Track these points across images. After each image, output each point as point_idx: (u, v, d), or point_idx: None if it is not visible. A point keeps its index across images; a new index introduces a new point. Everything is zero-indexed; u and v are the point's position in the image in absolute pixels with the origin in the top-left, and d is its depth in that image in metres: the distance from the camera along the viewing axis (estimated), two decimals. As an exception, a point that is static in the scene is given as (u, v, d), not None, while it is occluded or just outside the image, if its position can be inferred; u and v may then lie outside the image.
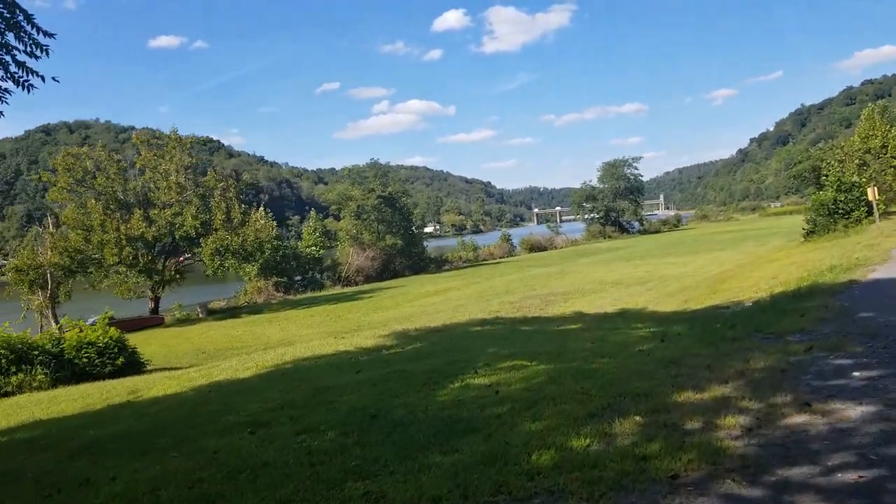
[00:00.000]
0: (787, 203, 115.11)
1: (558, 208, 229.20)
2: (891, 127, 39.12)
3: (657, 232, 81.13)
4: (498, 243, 67.51)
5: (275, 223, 49.83)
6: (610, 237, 76.70)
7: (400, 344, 12.07)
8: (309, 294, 43.18)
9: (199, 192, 34.44)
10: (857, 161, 38.05)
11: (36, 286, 28.88)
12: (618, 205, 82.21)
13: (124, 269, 32.42)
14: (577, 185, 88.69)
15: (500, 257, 62.17)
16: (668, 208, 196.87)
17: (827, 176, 31.18)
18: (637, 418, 4.86)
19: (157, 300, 34.23)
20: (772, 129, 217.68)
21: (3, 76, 6.33)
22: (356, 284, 46.16)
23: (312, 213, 53.53)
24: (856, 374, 5.48)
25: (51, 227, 32.46)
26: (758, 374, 5.83)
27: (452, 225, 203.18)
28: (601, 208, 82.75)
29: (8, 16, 6.12)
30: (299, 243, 52.59)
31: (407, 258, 52.35)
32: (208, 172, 36.78)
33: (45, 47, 6.55)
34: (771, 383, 5.48)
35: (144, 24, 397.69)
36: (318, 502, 3.93)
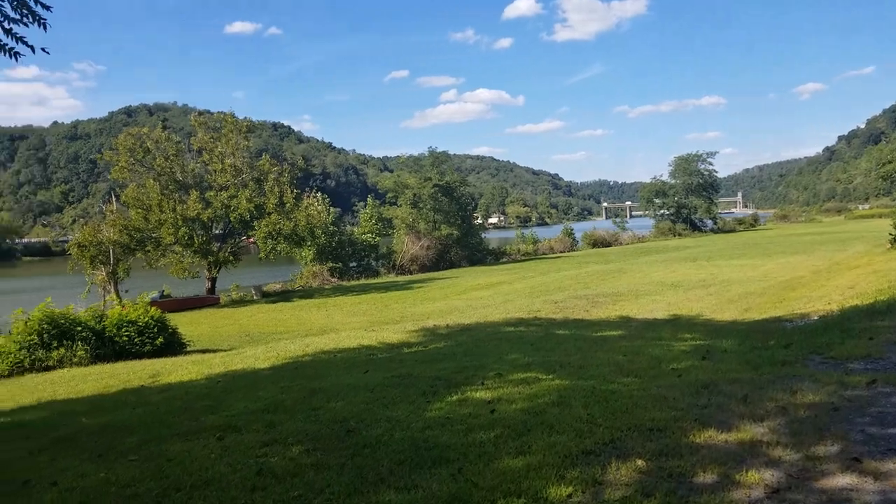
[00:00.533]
0: (876, 206, 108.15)
1: (628, 203, 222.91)
2: None
3: (731, 231, 77.46)
4: (559, 237, 65.66)
5: (331, 209, 50.03)
6: (680, 235, 73.44)
7: (423, 342, 11.46)
8: (362, 281, 43.21)
9: (255, 176, 34.78)
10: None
11: (98, 262, 29.97)
12: (690, 201, 78.65)
13: (180, 249, 33.17)
14: (649, 180, 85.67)
15: (561, 252, 60.48)
16: (746, 207, 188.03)
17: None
18: (639, 462, 4.04)
19: (213, 280, 34.86)
20: (863, 126, 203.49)
21: None
22: (410, 273, 45.89)
23: (370, 199, 53.40)
24: (927, 422, 4.45)
25: (113, 204, 33.62)
26: (802, 412, 4.86)
27: (517, 216, 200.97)
28: (672, 204, 79.51)
29: None
30: (355, 229, 52.69)
31: (463, 249, 51.57)
32: (263, 156, 37.13)
33: (43, 21, 6.29)
34: (816, 426, 4.52)
35: (222, 9, 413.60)
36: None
